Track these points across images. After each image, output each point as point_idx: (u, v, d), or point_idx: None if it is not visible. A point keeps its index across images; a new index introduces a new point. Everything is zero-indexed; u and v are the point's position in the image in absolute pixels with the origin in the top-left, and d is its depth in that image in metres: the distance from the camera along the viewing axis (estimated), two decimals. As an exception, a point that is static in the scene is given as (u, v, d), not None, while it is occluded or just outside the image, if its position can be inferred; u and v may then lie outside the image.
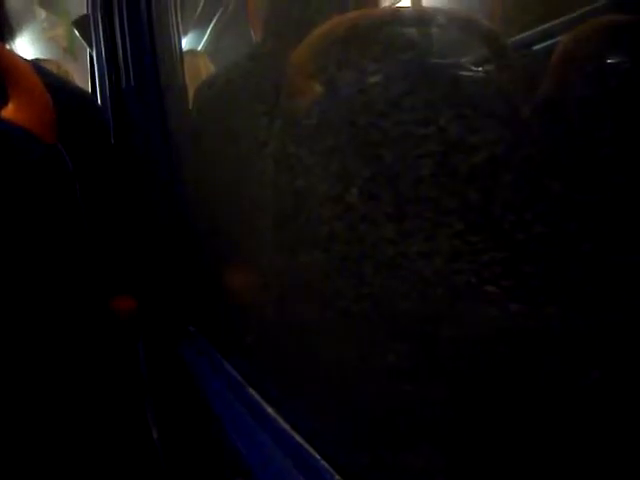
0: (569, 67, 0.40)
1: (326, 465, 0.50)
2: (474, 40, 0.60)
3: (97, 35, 1.51)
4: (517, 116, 0.44)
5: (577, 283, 0.34)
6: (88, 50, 2.09)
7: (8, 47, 0.89)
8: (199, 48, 1.82)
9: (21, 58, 0.64)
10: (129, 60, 1.00)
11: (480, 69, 0.49)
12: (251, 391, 0.66)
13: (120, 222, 0.88)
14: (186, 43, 1.77)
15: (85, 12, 1.98)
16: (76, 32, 1.91)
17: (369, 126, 0.48)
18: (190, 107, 0.92)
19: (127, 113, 1.02)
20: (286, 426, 0.57)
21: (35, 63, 0.78)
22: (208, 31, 1.76)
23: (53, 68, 1.59)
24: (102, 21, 1.17)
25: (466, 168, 0.42)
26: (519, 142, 0.41)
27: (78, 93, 0.88)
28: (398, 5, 0.83)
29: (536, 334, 0.36)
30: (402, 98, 0.47)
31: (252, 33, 0.93)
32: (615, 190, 0.32)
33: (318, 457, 0.51)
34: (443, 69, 0.51)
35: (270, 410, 0.61)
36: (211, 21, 1.74)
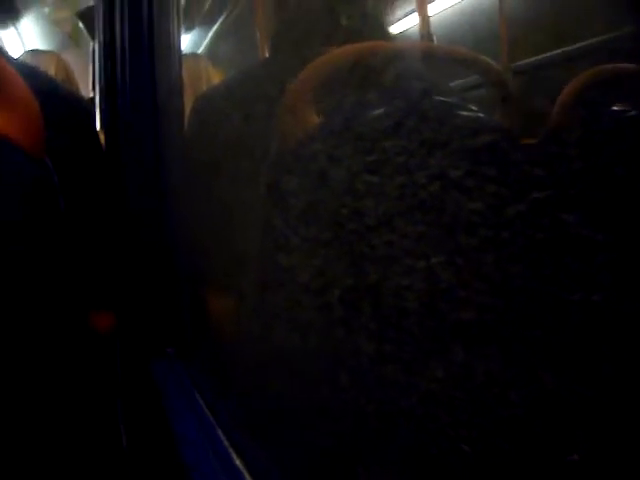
0: (570, 115, 0.40)
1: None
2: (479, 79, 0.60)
3: (99, 28, 1.50)
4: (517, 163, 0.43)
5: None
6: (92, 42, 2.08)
7: (12, 28, 0.88)
8: (200, 50, 1.80)
9: (8, 63, 0.61)
10: (127, 59, 0.98)
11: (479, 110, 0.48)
12: (217, 429, 0.65)
13: (104, 235, 0.87)
14: (188, 45, 1.75)
15: (91, 3, 1.98)
16: (80, 23, 1.91)
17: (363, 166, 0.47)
18: (187, 116, 0.90)
19: (120, 115, 1.00)
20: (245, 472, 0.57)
21: (25, 65, 0.76)
22: (210, 34, 1.75)
23: (52, 60, 1.56)
24: (103, 15, 1.16)
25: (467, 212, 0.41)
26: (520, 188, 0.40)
27: (69, 99, 0.86)
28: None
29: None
30: (400, 137, 0.46)
31: (258, 44, 0.92)
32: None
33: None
34: (447, 110, 0.50)
35: (231, 450, 0.60)
36: (214, 23, 1.72)
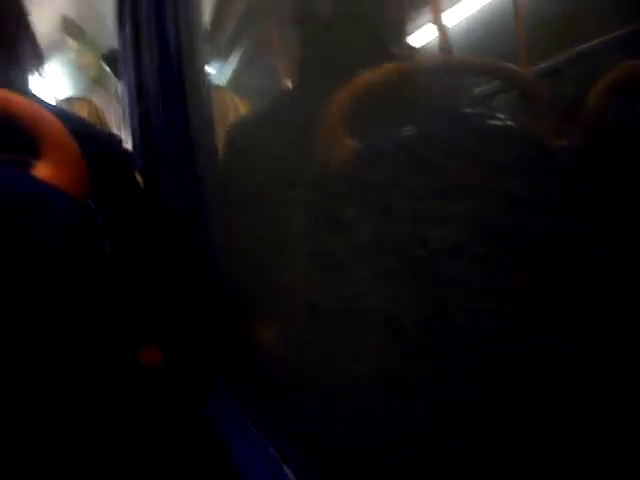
0: (602, 113, 0.39)
1: None
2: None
3: (126, 68, 1.53)
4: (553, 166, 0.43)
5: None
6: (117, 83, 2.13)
7: (38, 75, 0.90)
8: (223, 84, 1.83)
9: (47, 109, 0.63)
10: (159, 95, 1.00)
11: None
12: (281, 464, 0.64)
13: (149, 272, 0.88)
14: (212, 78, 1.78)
15: (114, 45, 2.03)
16: (105, 66, 1.96)
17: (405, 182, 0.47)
18: (220, 150, 0.91)
19: (155, 148, 1.01)
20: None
21: (62, 110, 0.78)
22: (233, 67, 1.78)
23: (84, 106, 1.61)
24: (133, 55, 1.18)
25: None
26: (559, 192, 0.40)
27: (105, 141, 0.88)
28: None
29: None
30: (437, 152, 0.46)
31: (281, 75, 0.93)
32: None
33: None
34: (480, 121, 0.49)
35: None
36: (236, 56, 1.75)
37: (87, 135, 0.77)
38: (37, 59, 0.90)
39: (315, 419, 0.59)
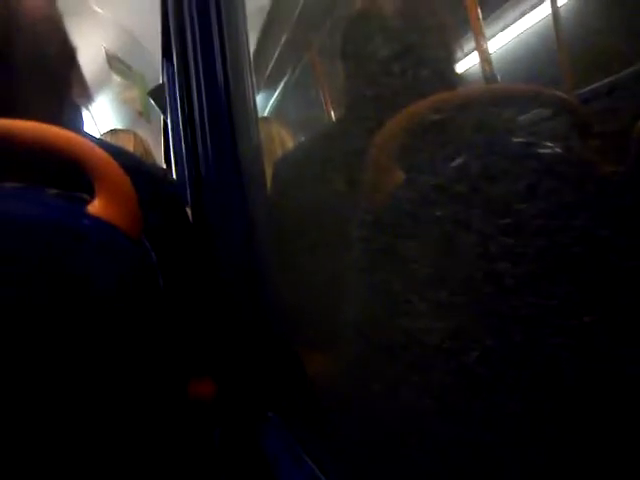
0: None
1: None
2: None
3: (172, 103, 1.56)
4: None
5: None
6: (162, 116, 2.18)
7: (85, 110, 0.91)
8: (266, 113, 1.85)
9: (99, 145, 0.64)
10: (206, 126, 1.00)
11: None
12: None
13: (200, 305, 0.87)
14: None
15: (159, 80, 2.08)
16: (151, 101, 2.01)
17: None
18: (270, 182, 0.91)
19: (204, 181, 1.02)
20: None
21: (112, 146, 0.78)
22: (275, 95, 1.79)
23: (130, 138, 1.64)
24: (180, 87, 1.20)
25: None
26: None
27: (153, 173, 0.89)
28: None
29: None
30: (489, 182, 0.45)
31: (324, 104, 0.93)
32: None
33: None
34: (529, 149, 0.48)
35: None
36: (278, 85, 1.77)
37: (139, 171, 0.77)
38: (86, 97, 0.91)
39: (369, 452, 0.57)
